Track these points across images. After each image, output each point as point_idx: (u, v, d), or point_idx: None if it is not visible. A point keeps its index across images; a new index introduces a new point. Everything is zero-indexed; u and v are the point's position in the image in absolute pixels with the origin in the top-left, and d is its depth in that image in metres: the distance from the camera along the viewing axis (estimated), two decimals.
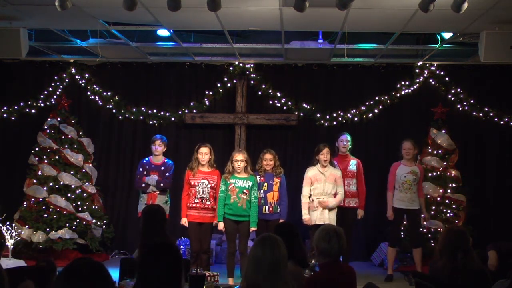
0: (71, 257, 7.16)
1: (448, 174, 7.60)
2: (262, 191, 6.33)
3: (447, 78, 7.99)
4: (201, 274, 3.70)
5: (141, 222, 4.49)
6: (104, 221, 7.93)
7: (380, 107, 8.03)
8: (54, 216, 7.48)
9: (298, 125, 8.15)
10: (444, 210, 7.46)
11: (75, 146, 7.92)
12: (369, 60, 8.03)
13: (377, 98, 8.03)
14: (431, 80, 8.04)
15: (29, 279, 3.08)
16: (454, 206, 7.52)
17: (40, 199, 7.57)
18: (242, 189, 6.19)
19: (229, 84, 8.16)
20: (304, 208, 6.38)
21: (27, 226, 7.41)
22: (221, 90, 8.16)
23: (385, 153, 8.13)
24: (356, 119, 8.02)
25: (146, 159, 6.84)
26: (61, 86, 8.26)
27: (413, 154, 6.84)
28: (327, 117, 8.05)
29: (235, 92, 8.20)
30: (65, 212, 7.51)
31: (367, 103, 8.03)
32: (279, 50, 7.58)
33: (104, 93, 8.23)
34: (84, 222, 7.60)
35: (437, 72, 8.00)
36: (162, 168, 6.72)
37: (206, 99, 8.18)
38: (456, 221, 7.40)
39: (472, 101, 7.93)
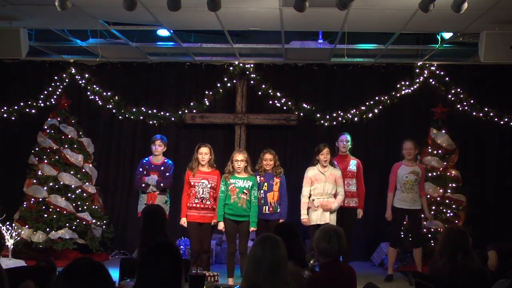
0: (71, 257, 7.16)
1: (448, 174, 7.60)
2: (262, 191, 6.33)
3: (447, 78, 7.99)
4: (201, 274, 3.70)
5: (141, 222, 4.49)
6: (104, 221, 7.93)
7: (380, 107, 8.03)
8: (54, 216, 7.48)
9: (298, 125, 8.15)
10: (444, 210, 7.46)
11: (75, 146, 7.92)
12: (369, 60, 8.03)
13: (377, 98, 8.03)
14: (431, 80, 8.04)
15: (29, 279, 3.08)
16: (454, 206, 7.52)
17: (40, 199, 7.57)
18: (242, 189, 6.19)
19: (229, 84, 8.16)
20: (303, 208, 6.38)
21: (27, 226, 7.42)
22: (221, 90, 8.16)
23: (385, 153, 8.13)
24: (356, 119, 8.02)
25: (146, 159, 6.84)
26: (61, 86, 8.26)
27: (414, 154, 6.84)
28: (327, 117, 8.05)
29: (235, 92, 8.20)
30: (65, 212, 7.51)
31: (367, 103, 8.03)
32: (279, 50, 7.58)
33: (104, 93, 8.23)
34: (84, 222, 7.60)
35: (437, 72, 8.00)
36: (162, 168, 6.72)
37: (206, 99, 8.18)
38: (456, 221, 7.40)
39: (472, 101, 7.93)
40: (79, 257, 2.33)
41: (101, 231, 7.89)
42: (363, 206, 6.85)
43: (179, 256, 2.54)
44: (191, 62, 8.32)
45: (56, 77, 8.28)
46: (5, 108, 8.19)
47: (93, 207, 7.83)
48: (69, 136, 7.91)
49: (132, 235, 7.89)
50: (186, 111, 8.17)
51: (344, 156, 6.87)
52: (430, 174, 7.51)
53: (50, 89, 8.25)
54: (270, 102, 8.15)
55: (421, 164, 7.20)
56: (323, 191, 6.36)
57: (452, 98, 7.97)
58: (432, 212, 7.30)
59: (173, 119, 8.19)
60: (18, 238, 7.09)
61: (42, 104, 8.23)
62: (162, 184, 6.62)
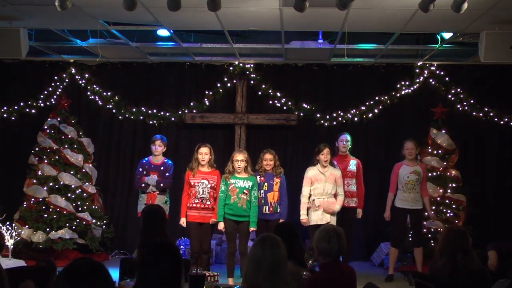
0: (71, 257, 7.16)
1: (448, 174, 7.60)
2: (262, 191, 6.33)
3: (447, 78, 7.99)
4: (201, 274, 3.70)
5: (140, 222, 4.49)
6: (104, 221, 7.93)
7: (380, 107, 8.03)
8: (54, 216, 7.48)
9: (298, 125, 8.15)
10: (444, 210, 7.46)
11: (75, 146, 7.92)
12: (369, 60, 8.03)
13: (377, 98, 8.03)
14: (431, 80, 8.04)
15: (29, 279, 3.08)
16: (454, 206, 7.52)
17: (40, 199, 7.57)
18: (242, 189, 6.19)
19: (229, 84, 8.16)
20: (303, 208, 6.38)
21: (27, 226, 7.42)
22: (221, 90, 8.16)
23: (385, 153, 8.14)
24: (356, 119, 8.02)
25: (146, 159, 6.84)
26: (61, 86, 8.26)
27: (415, 154, 6.84)
28: (327, 117, 8.05)
29: (235, 92, 8.20)
30: (65, 212, 7.51)
31: (367, 103, 8.03)
32: (279, 50, 7.58)
33: (104, 93, 8.23)
34: (84, 222, 7.60)
35: (437, 72, 8.00)
36: (162, 168, 6.72)
37: (206, 99, 8.18)
38: (456, 221, 7.40)
39: (472, 101, 7.93)
40: (79, 257, 2.33)
41: (101, 231, 7.89)
42: (363, 206, 6.85)
43: (179, 256, 2.54)
44: (191, 62, 8.32)
45: (56, 77, 8.28)
46: (5, 108, 8.19)
47: (93, 207, 7.83)
48: (69, 136, 7.91)
49: (132, 235, 7.89)
50: (186, 111, 8.17)
51: (344, 156, 6.87)
52: (430, 174, 7.51)
53: (50, 89, 8.25)
54: (270, 102, 8.15)
55: (422, 164, 7.19)
56: (323, 191, 6.37)
57: (452, 98, 7.97)
58: (432, 212, 7.30)
59: (173, 119, 8.19)
60: (18, 238, 7.09)
61: (42, 104, 8.23)
62: (162, 184, 6.63)
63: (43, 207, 7.54)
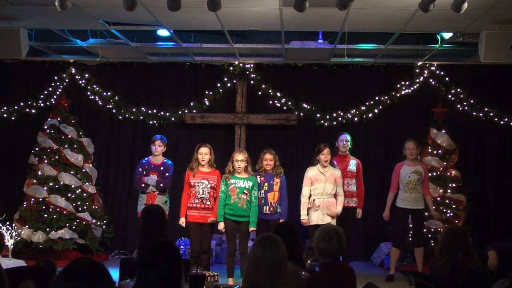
0: (71, 257, 7.16)
1: (448, 174, 7.61)
2: (262, 191, 6.33)
3: (447, 78, 7.99)
4: (201, 274, 3.70)
5: (140, 222, 4.49)
6: (104, 221, 7.93)
7: (380, 107, 8.03)
8: (54, 216, 7.48)
9: (298, 125, 8.15)
10: (444, 210, 7.46)
11: (75, 146, 7.92)
12: (369, 60, 8.03)
13: (377, 98, 8.03)
14: (431, 80, 8.04)
15: (29, 279, 3.08)
16: (454, 206, 7.52)
17: (40, 199, 7.57)
18: (243, 189, 6.19)
19: (229, 84, 8.16)
20: (303, 208, 6.38)
21: (27, 226, 7.42)
22: (221, 90, 8.16)
23: (385, 153, 8.14)
24: (356, 119, 8.02)
25: (146, 159, 6.84)
26: (61, 86, 8.26)
27: (416, 154, 6.84)
28: (327, 117, 8.05)
29: (235, 92, 8.20)
30: (65, 212, 7.51)
31: (367, 103, 8.03)
32: (279, 50, 7.58)
33: (104, 93, 8.23)
34: (84, 222, 7.60)
35: (437, 72, 8.00)
36: (162, 168, 6.72)
37: (206, 99, 8.18)
38: (456, 221, 7.40)
39: (472, 101, 7.93)
40: (79, 257, 2.33)
41: (101, 231, 7.89)
42: (363, 206, 6.86)
43: (179, 256, 2.54)
44: (191, 62, 8.32)
45: (56, 77, 8.28)
46: (5, 108, 8.19)
47: (93, 207, 7.83)
48: (69, 136, 7.91)
49: (132, 235, 7.89)
50: (186, 111, 8.17)
51: (344, 156, 6.87)
52: (430, 174, 7.50)
53: (50, 89, 8.25)
54: (270, 102, 8.15)
55: (422, 163, 7.19)
56: (323, 191, 6.37)
57: (452, 98, 7.97)
58: (435, 210, 7.31)
59: (173, 119, 8.19)
60: (18, 238, 7.09)
61: (42, 104, 8.23)
62: (161, 184, 6.63)
63: (43, 207, 7.54)
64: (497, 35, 6.07)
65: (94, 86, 8.26)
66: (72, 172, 7.75)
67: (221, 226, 6.23)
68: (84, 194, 7.79)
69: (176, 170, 6.89)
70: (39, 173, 7.68)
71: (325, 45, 7.25)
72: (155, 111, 8.22)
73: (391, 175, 6.94)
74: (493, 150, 8.09)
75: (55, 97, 8.19)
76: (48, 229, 7.43)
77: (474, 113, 7.93)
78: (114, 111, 8.25)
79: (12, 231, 6.90)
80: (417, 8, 4.97)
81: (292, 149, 8.35)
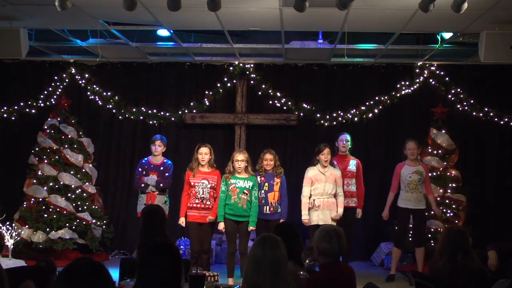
0: (71, 257, 7.17)
1: (448, 174, 7.61)
2: (263, 191, 6.33)
3: (447, 78, 7.99)
4: (201, 274, 3.70)
5: (140, 222, 4.49)
6: (104, 221, 7.93)
7: (380, 107, 8.03)
8: (54, 216, 7.48)
9: (298, 125, 8.15)
10: (444, 210, 7.46)
11: (75, 146, 7.92)
12: (369, 60, 8.03)
13: (377, 98, 8.03)
14: (431, 80, 8.04)
15: (29, 279, 3.08)
16: (454, 206, 7.52)
17: (40, 199, 7.57)
18: (243, 189, 6.19)
19: (229, 84, 8.15)
20: (304, 208, 6.38)
21: (27, 226, 7.42)
22: (221, 90, 8.16)
23: (385, 153, 8.14)
24: (356, 119, 8.02)
25: (145, 159, 6.84)
26: (61, 86, 8.26)
27: (417, 154, 6.85)
28: (327, 117, 8.05)
29: (235, 92, 8.20)
30: (65, 212, 7.51)
31: (367, 103, 8.03)
32: (279, 50, 7.58)
33: (104, 93, 8.23)
34: (84, 222, 7.60)
35: (437, 72, 8.00)
36: (162, 168, 6.72)
37: (206, 99, 8.18)
38: (456, 221, 7.40)
39: (472, 101, 7.93)
40: (79, 257, 2.33)
41: (101, 231, 7.88)
42: (363, 206, 6.86)
43: (179, 256, 2.54)
44: (191, 62, 8.32)
45: (56, 77, 8.28)
46: (5, 108, 8.19)
47: (93, 207, 7.83)
48: (69, 136, 7.91)
49: (132, 235, 7.88)
50: (186, 111, 8.17)
51: (343, 156, 6.87)
52: (430, 174, 7.51)
53: (50, 89, 8.25)
54: (270, 102, 8.15)
55: (423, 163, 7.19)
56: (323, 191, 6.37)
57: (452, 98, 7.97)
58: (432, 212, 7.30)
59: (173, 119, 8.19)
60: (18, 238, 7.09)
61: (42, 104, 8.23)
62: (161, 184, 6.63)
63: (43, 207, 7.54)
64: (497, 35, 6.07)
65: (94, 86, 8.26)
66: (72, 172, 7.75)
67: (221, 226, 6.23)
68: (84, 194, 7.79)
69: (176, 170, 6.89)
70: (39, 173, 7.68)
71: (325, 45, 7.25)
72: (155, 111, 8.22)
73: (392, 175, 6.94)
74: (493, 150, 8.09)
75: (55, 97, 8.19)
76: (48, 229, 7.43)
77: (474, 113, 7.93)
78: (114, 111, 8.25)
79: (12, 231, 6.90)
80: (417, 8, 4.97)
81: (292, 149, 8.35)
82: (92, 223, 7.68)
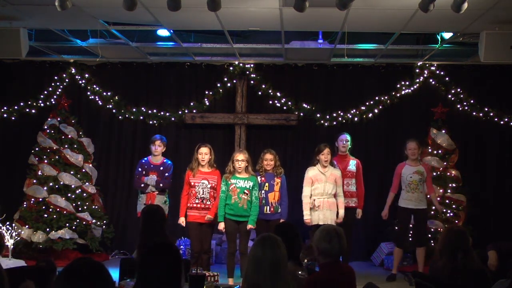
0: (71, 257, 7.17)
1: (448, 174, 7.61)
2: (263, 192, 6.33)
3: (447, 78, 7.99)
4: (201, 274, 3.70)
5: (140, 222, 4.49)
6: (104, 221, 7.93)
7: (380, 107, 8.03)
8: (54, 216, 7.48)
9: (298, 125, 8.15)
10: (444, 210, 7.45)
11: (75, 146, 7.92)
12: (369, 60, 8.03)
13: (377, 98, 8.03)
14: (431, 80, 8.04)
15: (29, 279, 3.08)
16: (454, 206, 7.52)
17: (40, 199, 7.57)
18: (243, 189, 6.19)
19: (229, 84, 8.15)
20: (306, 209, 6.37)
21: (27, 226, 7.42)
22: (221, 90, 8.16)
23: (385, 153, 8.15)
24: (356, 119, 8.01)
25: (145, 159, 6.84)
26: (61, 86, 8.26)
27: (418, 154, 6.85)
28: (327, 117, 8.05)
29: (235, 92, 8.20)
30: (65, 212, 7.51)
31: (367, 103, 8.03)
32: (279, 50, 7.58)
33: (104, 93, 8.23)
34: (84, 222, 7.60)
35: (437, 72, 8.00)
36: (161, 168, 6.72)
37: (206, 99, 8.18)
38: (456, 221, 7.40)
39: (472, 101, 7.93)
40: (79, 257, 2.33)
41: (101, 231, 7.88)
42: (363, 206, 6.86)
43: (179, 256, 2.54)
44: (191, 62, 8.32)
45: (56, 77, 8.28)
46: (5, 108, 8.19)
47: (93, 207, 7.83)
48: (69, 136, 7.91)
49: (132, 235, 7.88)
50: (186, 111, 8.17)
51: (343, 156, 6.87)
52: None
53: (50, 89, 8.25)
54: (270, 102, 8.15)
55: (424, 163, 7.19)
56: (324, 191, 6.37)
57: (452, 98, 7.97)
58: (432, 212, 7.32)
59: (173, 119, 8.19)
60: (18, 238, 7.09)
61: (42, 104, 8.23)
62: (161, 184, 6.63)
63: (43, 207, 7.54)
64: (497, 35, 6.07)
65: (94, 86, 8.26)
66: (72, 172, 7.75)
67: (221, 226, 6.23)
68: (84, 194, 7.79)
69: (176, 170, 6.90)
70: (39, 173, 7.68)
71: (325, 45, 7.24)
72: (155, 111, 8.22)
73: (393, 175, 6.95)
74: (493, 150, 8.09)
75: (55, 97, 8.19)
76: (48, 229, 7.43)
77: (474, 113, 7.93)
78: (114, 111, 8.25)
79: (12, 231, 6.90)
80: (417, 8, 4.97)
81: (292, 149, 8.35)
82: (92, 223, 7.68)
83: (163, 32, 7.10)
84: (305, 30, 6.98)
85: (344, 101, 8.13)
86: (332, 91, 8.32)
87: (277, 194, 6.35)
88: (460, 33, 6.44)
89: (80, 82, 8.29)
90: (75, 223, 7.53)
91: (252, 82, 8.14)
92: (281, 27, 6.29)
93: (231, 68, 8.14)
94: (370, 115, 8.01)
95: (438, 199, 7.44)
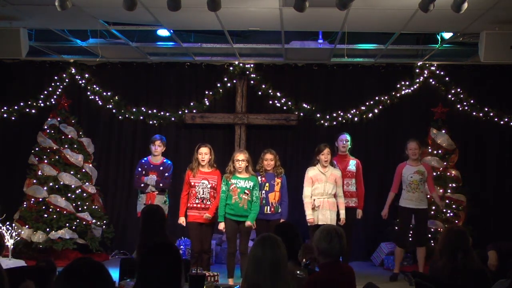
0: (71, 257, 7.17)
1: (448, 174, 7.61)
2: (264, 192, 6.33)
3: (447, 78, 7.99)
4: (201, 274, 3.70)
5: (140, 222, 4.49)
6: (104, 221, 7.93)
7: (380, 107, 8.03)
8: (54, 216, 7.48)
9: (298, 125, 8.15)
10: (444, 210, 7.46)
11: (75, 146, 7.92)
12: (369, 60, 8.03)
13: (377, 98, 8.03)
14: (431, 80, 8.03)
15: (29, 279, 3.08)
16: (454, 206, 7.52)
17: (40, 199, 7.57)
18: (244, 189, 6.18)
19: (229, 84, 8.15)
20: (308, 208, 6.36)
21: (27, 226, 7.42)
22: (221, 90, 8.16)
23: (385, 153, 8.15)
24: (356, 119, 8.01)
25: (145, 159, 6.84)
26: (61, 86, 8.26)
27: (419, 154, 6.85)
28: (327, 117, 8.05)
29: (235, 92, 8.20)
30: (65, 212, 7.51)
31: (367, 103, 8.03)
32: (279, 50, 7.58)
33: (104, 93, 8.23)
34: (84, 222, 7.60)
35: (437, 72, 8.00)
36: (161, 168, 6.73)
37: (206, 99, 8.18)
38: (456, 221, 7.40)
39: (472, 101, 7.93)
40: (79, 257, 2.33)
41: (101, 231, 7.88)
42: (363, 207, 6.86)
43: (179, 256, 2.54)
44: (191, 62, 8.32)
45: (56, 77, 8.28)
46: (5, 108, 8.19)
47: (93, 207, 7.83)
48: (69, 136, 7.91)
49: (132, 235, 7.88)
50: (186, 111, 8.17)
51: (343, 156, 6.87)
52: None
53: (50, 89, 8.25)
54: (270, 102, 8.15)
55: (425, 163, 7.18)
56: (324, 191, 6.37)
57: (452, 98, 7.97)
58: (432, 212, 7.32)
59: (173, 119, 8.19)
60: (18, 238, 7.09)
61: (42, 104, 8.23)
62: (161, 184, 6.63)
63: (43, 207, 7.54)
64: (497, 35, 6.07)
65: (94, 86, 8.26)
66: (72, 172, 7.75)
67: (221, 226, 6.22)
68: (84, 194, 7.79)
69: (176, 170, 6.90)
70: (39, 173, 7.68)
71: (325, 45, 7.24)
72: (155, 111, 8.22)
73: (393, 175, 6.95)
74: (493, 150, 8.09)
75: (55, 97, 8.19)
76: (48, 229, 7.43)
77: (474, 113, 7.93)
78: (114, 111, 8.25)
79: (12, 231, 6.90)
80: (417, 8, 4.97)
81: (292, 149, 8.35)
82: (92, 223, 7.68)
83: (163, 32, 7.10)
84: (305, 30, 6.98)
85: (344, 101, 8.13)
86: (332, 91, 8.32)
87: (278, 194, 6.35)
88: (460, 33, 6.44)
89: (80, 82, 8.29)
90: (75, 223, 7.53)
91: (252, 82, 8.14)
92: (281, 27, 6.29)
93: (231, 68, 8.14)
94: (370, 115, 8.01)
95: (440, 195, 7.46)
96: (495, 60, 6.56)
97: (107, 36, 7.02)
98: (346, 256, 6.31)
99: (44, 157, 7.78)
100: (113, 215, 8.31)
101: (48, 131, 7.87)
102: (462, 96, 7.94)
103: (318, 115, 8.05)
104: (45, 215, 7.50)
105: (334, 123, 8.04)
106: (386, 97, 8.01)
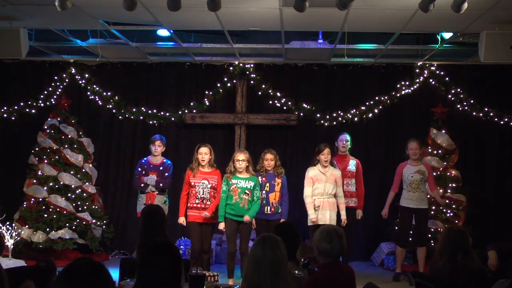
0: (71, 257, 7.17)
1: (448, 174, 7.61)
2: (264, 192, 6.33)
3: (447, 78, 7.99)
4: (201, 274, 3.70)
5: (140, 222, 4.49)
6: (104, 221, 7.93)
7: (380, 107, 8.03)
8: (54, 216, 7.48)
9: (298, 125, 8.15)
10: (444, 210, 7.46)
11: (75, 146, 7.92)
12: (369, 60, 8.03)
13: (377, 98, 8.03)
14: (431, 80, 8.04)
15: (29, 279, 3.08)
16: (454, 206, 7.52)
17: (40, 199, 7.57)
18: (244, 189, 6.18)
19: (229, 84, 8.16)
20: (310, 208, 6.35)
21: (27, 226, 7.42)
22: (221, 90, 8.16)
23: (385, 153, 8.15)
24: (356, 119, 8.02)
25: (145, 159, 6.84)
26: (61, 86, 8.26)
27: (419, 154, 6.85)
28: (327, 117, 8.05)
29: (235, 92, 8.20)
30: (65, 212, 7.51)
31: (367, 103, 8.03)
32: (279, 50, 7.58)
33: (104, 93, 8.23)
34: (84, 222, 7.60)
35: (437, 72, 8.00)
36: (161, 168, 6.73)
37: (206, 99, 8.18)
38: (456, 221, 7.41)
39: (472, 101, 7.93)
40: (79, 257, 2.32)
41: (101, 231, 7.88)
42: (363, 207, 6.86)
43: (179, 256, 2.54)
44: (191, 62, 8.32)
45: (56, 77, 8.28)
46: (5, 108, 8.19)
47: (93, 207, 7.83)
48: (69, 136, 7.91)
49: (132, 235, 7.88)
50: (186, 111, 8.17)
51: (343, 156, 6.87)
52: None
53: (50, 89, 8.25)
54: (270, 102, 8.15)
55: (425, 162, 7.19)
56: (324, 191, 6.36)
57: (452, 98, 7.97)
58: (432, 212, 7.32)
59: (173, 119, 8.19)
60: (18, 238, 7.09)
61: (42, 104, 8.23)
62: (161, 184, 6.63)
63: (43, 207, 7.54)
64: (497, 35, 6.07)
65: (94, 86, 8.26)
66: (72, 172, 7.75)
67: (221, 226, 6.22)
68: (84, 194, 7.79)
69: (176, 170, 6.90)
70: (39, 173, 7.68)
71: (325, 45, 7.25)
72: (155, 111, 8.22)
73: (393, 175, 6.95)
74: (493, 150, 8.09)
75: (55, 97, 8.19)
76: (48, 229, 7.43)
77: (474, 113, 7.93)
78: (114, 111, 8.25)
79: (12, 231, 6.90)
80: (417, 8, 4.97)
81: (292, 149, 8.35)
82: (92, 223, 7.68)
83: (163, 32, 7.10)
84: (305, 30, 6.98)
85: (344, 101, 8.13)
86: (332, 91, 8.32)
87: (278, 194, 6.36)
88: (460, 33, 6.44)
89: (80, 82, 8.29)
90: (75, 223, 7.53)
91: (252, 82, 8.14)
92: (281, 27, 6.29)
93: (231, 68, 8.14)
94: (370, 115, 8.01)
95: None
96: (495, 60, 6.56)
97: (107, 36, 7.02)
98: (346, 256, 6.30)
99: (44, 157, 7.78)
100: (113, 215, 8.31)
101: (48, 131, 7.87)
102: (462, 96, 7.94)
103: (318, 115, 8.05)
104: (45, 215, 7.50)
105: (334, 123, 8.04)
106: (386, 97, 8.01)
